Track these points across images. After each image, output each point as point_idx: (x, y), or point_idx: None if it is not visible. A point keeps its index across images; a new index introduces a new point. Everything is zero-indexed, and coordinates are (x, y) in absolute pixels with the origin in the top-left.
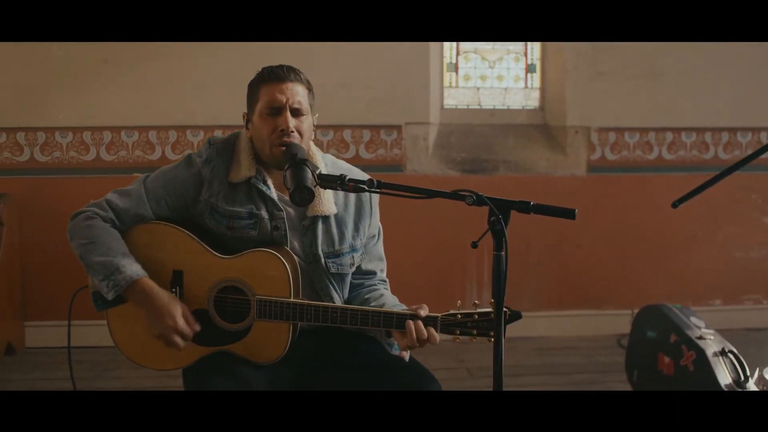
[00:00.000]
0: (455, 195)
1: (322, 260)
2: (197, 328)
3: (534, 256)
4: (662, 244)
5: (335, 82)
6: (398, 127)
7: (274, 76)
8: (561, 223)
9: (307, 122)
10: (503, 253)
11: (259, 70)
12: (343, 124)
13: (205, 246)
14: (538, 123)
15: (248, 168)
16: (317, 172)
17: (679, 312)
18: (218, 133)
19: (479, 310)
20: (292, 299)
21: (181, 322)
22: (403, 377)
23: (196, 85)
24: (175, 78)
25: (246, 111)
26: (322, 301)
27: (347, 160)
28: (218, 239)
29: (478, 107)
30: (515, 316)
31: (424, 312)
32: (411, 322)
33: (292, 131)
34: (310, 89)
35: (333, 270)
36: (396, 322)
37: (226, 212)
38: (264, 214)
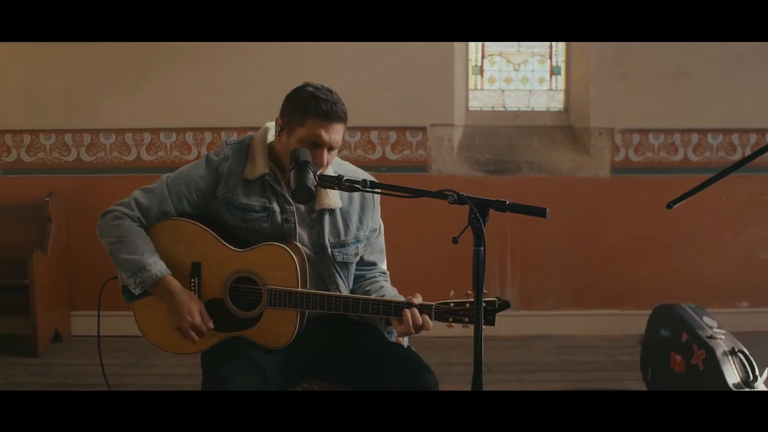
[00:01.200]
0: (439, 194)
1: (329, 250)
2: (211, 325)
3: (556, 257)
4: (687, 246)
5: (362, 85)
6: (423, 129)
7: (325, 114)
8: (584, 223)
9: (334, 155)
10: (482, 248)
11: (304, 83)
12: (370, 126)
13: (221, 240)
14: (562, 124)
15: (263, 166)
16: (318, 173)
17: (691, 311)
18: (251, 134)
19: (471, 300)
20: (299, 289)
21: (198, 320)
22: (401, 366)
23: (231, 89)
24: (211, 83)
25: (281, 118)
26: (329, 289)
27: (374, 161)
28: (233, 233)
29: (502, 109)
30: (504, 305)
31: (418, 301)
32: (407, 310)
33: (326, 166)
34: (346, 122)
35: (339, 259)
36: (394, 310)
37: (241, 205)
38: (275, 207)
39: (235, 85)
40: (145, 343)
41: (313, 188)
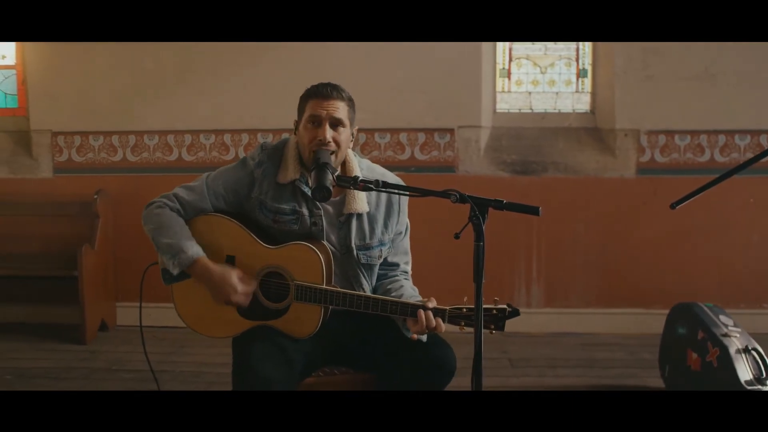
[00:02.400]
0: (443, 193)
1: (354, 252)
2: (254, 284)
3: (582, 256)
4: (713, 246)
5: (393, 88)
6: (451, 131)
7: (319, 93)
8: (609, 223)
9: (345, 133)
10: (481, 243)
11: (310, 85)
12: (400, 128)
13: (254, 236)
14: (588, 126)
15: (294, 171)
16: (335, 174)
17: (708, 310)
18: (285, 136)
19: (484, 306)
20: (324, 286)
21: (239, 286)
22: (419, 344)
23: (266, 93)
24: (247, 87)
25: (296, 119)
26: (353, 287)
27: (403, 162)
28: (265, 231)
29: (529, 111)
30: (514, 313)
31: (432, 304)
32: (422, 311)
33: (329, 141)
34: (351, 105)
35: (363, 261)
36: (410, 311)
37: (272, 208)
38: (305, 211)
39: (270, 89)
40: (184, 333)
41: (331, 187)
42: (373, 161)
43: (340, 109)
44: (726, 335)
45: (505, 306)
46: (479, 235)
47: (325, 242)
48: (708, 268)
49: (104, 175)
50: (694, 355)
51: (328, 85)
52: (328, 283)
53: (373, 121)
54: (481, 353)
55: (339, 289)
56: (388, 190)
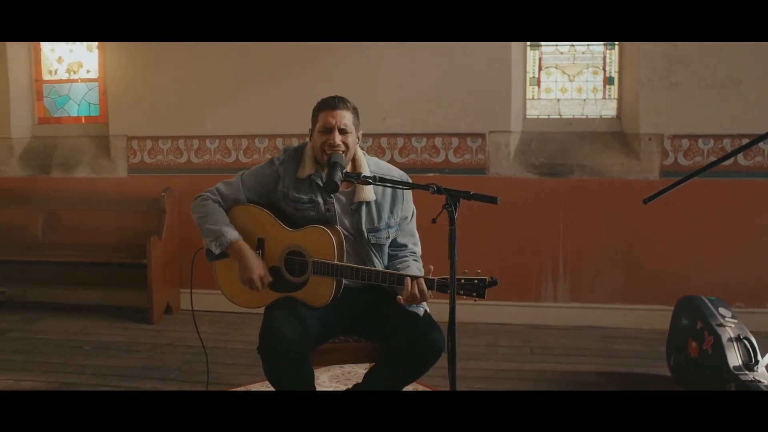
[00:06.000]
0: (425, 186)
1: (365, 234)
2: (270, 279)
3: (606, 254)
4: (737, 247)
5: (429, 96)
6: (483, 135)
7: (329, 105)
8: (633, 223)
9: (352, 137)
10: (453, 227)
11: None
12: (435, 132)
13: (280, 222)
14: (614, 131)
15: (310, 168)
16: (344, 171)
17: (709, 303)
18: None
19: (466, 277)
20: (336, 262)
21: (258, 278)
22: (415, 326)
23: (313, 101)
24: (297, 95)
25: (310, 127)
26: (366, 265)
27: (437, 164)
28: (289, 217)
29: (558, 117)
30: (492, 283)
31: (420, 274)
32: (408, 279)
33: (338, 144)
34: (355, 114)
35: (373, 241)
36: (401, 280)
37: (294, 198)
38: (319, 200)
39: (316, 97)
40: (236, 317)
41: (339, 182)
42: (410, 163)
43: (347, 118)
44: (721, 325)
45: (485, 277)
46: (452, 220)
47: (338, 226)
48: (730, 269)
49: (171, 175)
50: (694, 344)
51: (336, 97)
52: (340, 259)
53: (411, 127)
54: (455, 317)
55: (349, 264)
56: (382, 183)
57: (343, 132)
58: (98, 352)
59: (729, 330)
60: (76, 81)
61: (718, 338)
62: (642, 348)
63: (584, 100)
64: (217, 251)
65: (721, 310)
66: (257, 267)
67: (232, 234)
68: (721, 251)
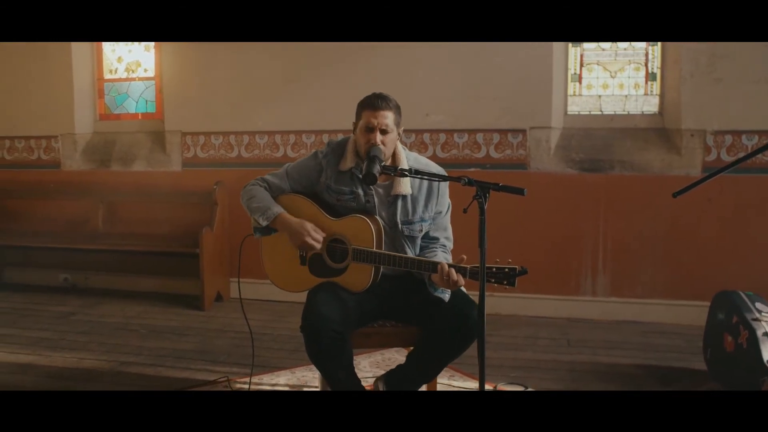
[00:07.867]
0: (457, 178)
1: (400, 226)
2: (323, 234)
3: (648, 249)
4: None
5: (471, 93)
6: (523, 131)
7: (372, 104)
8: (675, 219)
9: (392, 135)
10: (483, 217)
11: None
12: (477, 129)
13: (322, 211)
14: (655, 127)
15: (351, 162)
16: (382, 164)
17: (746, 298)
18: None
19: (497, 266)
20: (375, 250)
21: (311, 233)
22: (453, 304)
23: (357, 98)
24: (341, 92)
25: (354, 121)
26: (399, 254)
27: (479, 159)
28: (331, 207)
29: (599, 113)
30: (522, 271)
31: (456, 263)
32: (444, 263)
33: (379, 144)
34: (397, 112)
35: (407, 233)
36: (434, 267)
37: (336, 189)
38: (360, 192)
39: (360, 94)
40: (283, 305)
41: (377, 174)
42: (452, 159)
43: (388, 118)
44: (756, 320)
45: (515, 266)
46: (482, 211)
47: (377, 216)
48: None
49: (222, 169)
50: (729, 338)
51: (379, 96)
52: (378, 247)
53: (453, 123)
54: (484, 301)
55: (386, 252)
56: (416, 175)
57: (383, 132)
58: (153, 335)
59: (765, 324)
60: (134, 80)
61: (753, 332)
62: (682, 343)
63: (626, 96)
64: (264, 223)
65: (758, 305)
66: (306, 226)
67: (277, 208)
68: (763, 248)
